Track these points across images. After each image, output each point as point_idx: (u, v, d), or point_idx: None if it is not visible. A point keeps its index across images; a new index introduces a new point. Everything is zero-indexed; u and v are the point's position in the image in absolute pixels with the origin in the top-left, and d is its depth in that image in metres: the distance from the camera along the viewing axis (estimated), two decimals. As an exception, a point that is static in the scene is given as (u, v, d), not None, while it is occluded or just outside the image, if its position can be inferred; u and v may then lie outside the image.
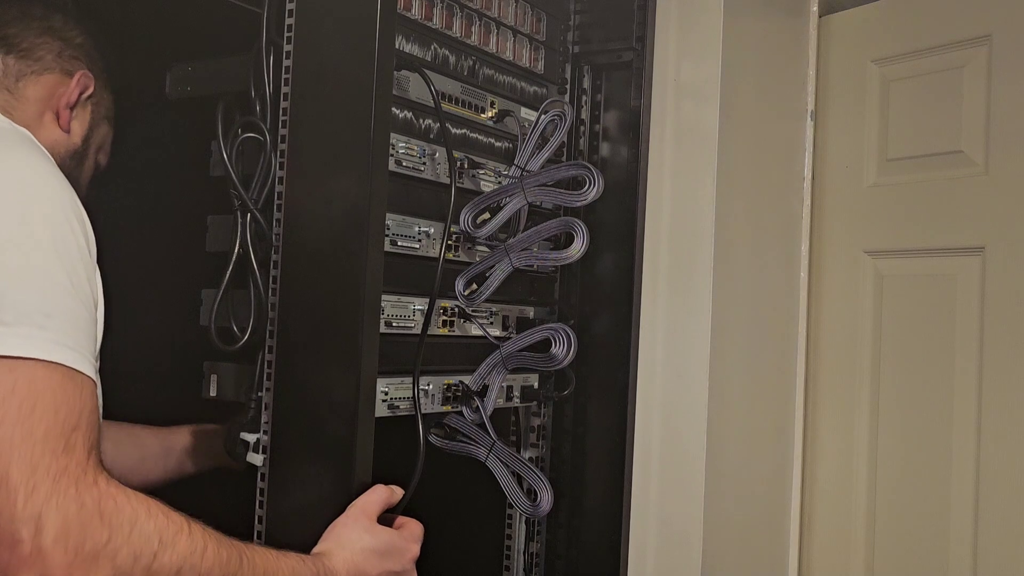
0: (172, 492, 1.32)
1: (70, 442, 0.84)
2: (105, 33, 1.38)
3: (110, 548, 0.81)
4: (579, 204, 1.35)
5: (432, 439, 1.36)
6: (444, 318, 1.36)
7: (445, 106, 1.35)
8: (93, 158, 1.26)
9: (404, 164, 1.27)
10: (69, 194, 0.94)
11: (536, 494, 1.38)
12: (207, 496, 1.33)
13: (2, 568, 0.78)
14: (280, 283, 1.17)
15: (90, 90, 1.21)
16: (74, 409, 0.86)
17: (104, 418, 1.33)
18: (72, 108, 1.19)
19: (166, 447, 1.35)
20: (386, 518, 1.13)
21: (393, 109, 1.25)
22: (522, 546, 1.63)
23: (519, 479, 1.40)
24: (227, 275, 1.21)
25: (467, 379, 1.39)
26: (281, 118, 1.18)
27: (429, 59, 1.35)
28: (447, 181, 1.32)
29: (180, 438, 1.35)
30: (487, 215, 1.37)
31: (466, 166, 1.38)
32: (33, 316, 0.85)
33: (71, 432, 0.84)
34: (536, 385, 1.54)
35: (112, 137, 1.31)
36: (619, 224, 1.58)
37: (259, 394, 1.18)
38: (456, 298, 1.36)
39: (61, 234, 0.90)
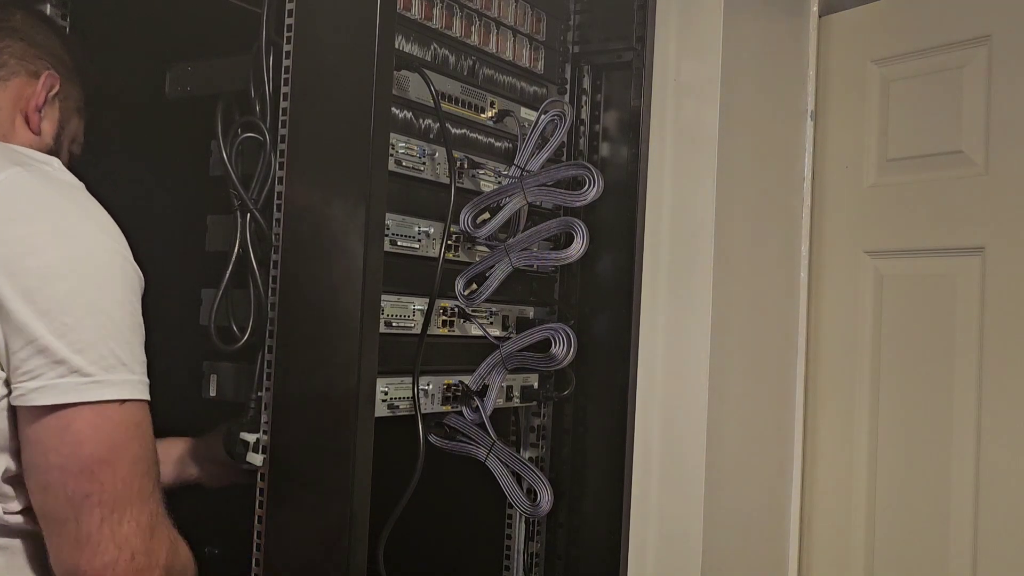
0: (172, 493, 1.32)
1: (158, 480, 1.02)
2: (103, 33, 1.38)
3: (176, 570, 1.03)
4: (579, 204, 1.35)
5: (432, 439, 1.36)
6: (444, 318, 1.36)
7: (445, 106, 1.35)
8: (67, 152, 1.25)
9: (404, 164, 1.27)
10: (120, 235, 1.02)
11: (536, 494, 1.38)
12: (208, 496, 1.33)
13: None
14: (280, 283, 1.17)
15: (56, 88, 1.20)
16: (153, 445, 1.02)
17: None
18: (40, 109, 1.18)
19: None
20: None
21: (393, 109, 1.25)
22: (522, 546, 1.63)
23: (519, 479, 1.40)
24: (227, 275, 1.21)
25: (467, 379, 1.39)
26: (281, 118, 1.18)
27: (429, 59, 1.35)
28: (447, 181, 1.32)
29: (174, 449, 1.33)
30: (487, 215, 1.37)
31: (466, 166, 1.38)
32: (140, 366, 0.99)
33: (158, 471, 1.02)
34: (536, 385, 1.54)
35: (84, 126, 1.29)
36: (619, 224, 1.58)
37: (259, 394, 1.18)
38: (456, 298, 1.36)
39: (128, 278, 1.00)
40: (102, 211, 1.03)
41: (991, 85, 1.49)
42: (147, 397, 1.00)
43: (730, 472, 1.52)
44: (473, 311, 1.39)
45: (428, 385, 1.33)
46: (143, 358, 1.00)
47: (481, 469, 1.38)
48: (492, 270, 1.37)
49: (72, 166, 1.25)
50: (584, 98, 1.65)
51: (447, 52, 1.39)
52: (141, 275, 1.02)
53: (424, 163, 1.30)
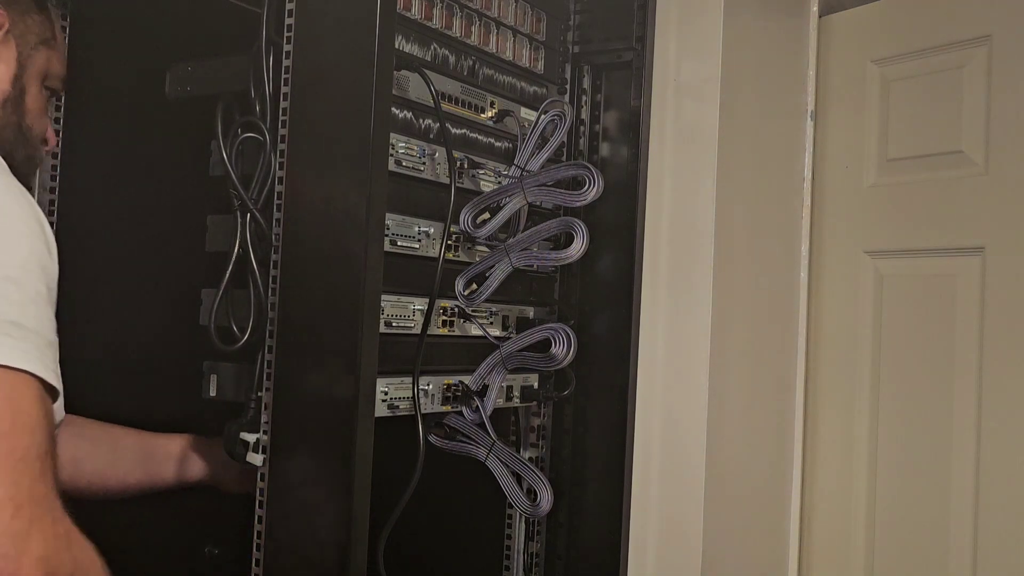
0: (172, 492, 1.32)
1: (45, 465, 0.84)
2: (103, 33, 1.38)
3: (66, 571, 0.84)
4: (579, 204, 1.35)
5: (432, 439, 1.36)
6: (444, 318, 1.36)
7: (445, 106, 1.35)
8: (38, 92, 1.16)
9: (404, 164, 1.27)
10: (33, 210, 0.93)
11: (536, 494, 1.38)
12: (207, 496, 1.33)
13: None
14: (280, 283, 1.17)
15: (5, 26, 1.10)
16: (48, 430, 0.86)
17: (101, 418, 1.33)
18: None
19: (147, 451, 1.30)
20: None
21: (393, 109, 1.25)
22: (522, 546, 1.63)
23: (519, 479, 1.40)
24: (227, 275, 1.21)
25: (467, 379, 1.39)
26: (281, 118, 1.18)
27: (429, 59, 1.35)
28: (447, 181, 1.32)
29: (172, 445, 1.31)
30: (487, 215, 1.37)
31: (466, 166, 1.38)
32: (7, 327, 0.85)
33: (45, 456, 0.85)
34: (536, 385, 1.54)
35: (61, 57, 1.20)
36: (619, 224, 1.58)
37: (259, 394, 1.18)
38: (456, 298, 1.36)
39: (32, 254, 0.90)
40: (4, 174, 0.94)
41: (991, 85, 1.49)
42: (17, 365, 0.84)
43: (730, 472, 1.52)
44: (473, 311, 1.39)
45: (428, 385, 1.33)
46: (21, 321, 0.86)
47: (481, 469, 1.38)
48: (492, 270, 1.37)
49: (57, 106, 1.16)
50: (584, 98, 1.65)
51: (447, 52, 1.39)
52: (49, 240, 0.92)
53: (424, 163, 1.30)
